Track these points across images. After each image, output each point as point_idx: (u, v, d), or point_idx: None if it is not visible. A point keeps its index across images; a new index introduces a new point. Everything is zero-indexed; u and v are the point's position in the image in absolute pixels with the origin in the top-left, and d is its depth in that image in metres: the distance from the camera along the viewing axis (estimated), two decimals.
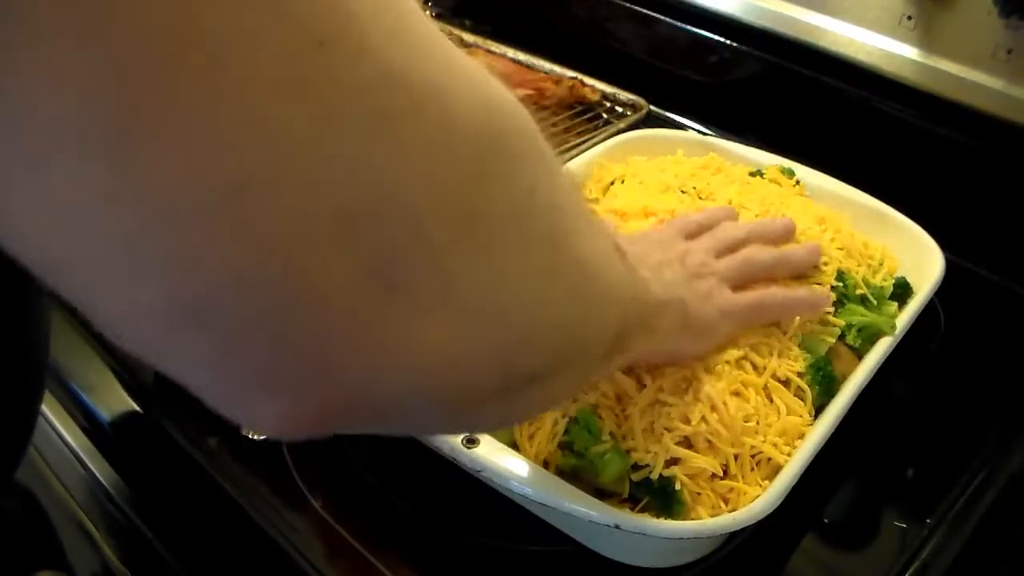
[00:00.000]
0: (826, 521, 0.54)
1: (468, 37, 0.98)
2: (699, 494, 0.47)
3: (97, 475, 0.55)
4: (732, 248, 0.53)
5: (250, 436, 0.54)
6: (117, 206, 0.17)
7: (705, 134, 0.85)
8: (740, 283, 0.52)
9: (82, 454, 0.56)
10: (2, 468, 0.45)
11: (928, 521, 0.53)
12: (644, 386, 0.49)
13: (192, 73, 0.16)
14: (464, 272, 0.22)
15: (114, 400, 0.60)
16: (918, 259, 0.64)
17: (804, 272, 0.57)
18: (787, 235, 0.57)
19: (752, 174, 0.71)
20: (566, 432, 0.47)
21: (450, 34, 1.01)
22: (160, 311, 0.19)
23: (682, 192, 0.66)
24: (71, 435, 0.57)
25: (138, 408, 0.59)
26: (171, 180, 0.17)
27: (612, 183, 0.70)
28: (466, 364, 0.23)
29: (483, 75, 0.23)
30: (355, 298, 0.19)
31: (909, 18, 0.75)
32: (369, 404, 0.22)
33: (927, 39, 0.75)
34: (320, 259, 0.18)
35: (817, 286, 0.56)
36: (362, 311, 0.20)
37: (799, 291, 0.55)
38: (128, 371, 0.61)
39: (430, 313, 0.21)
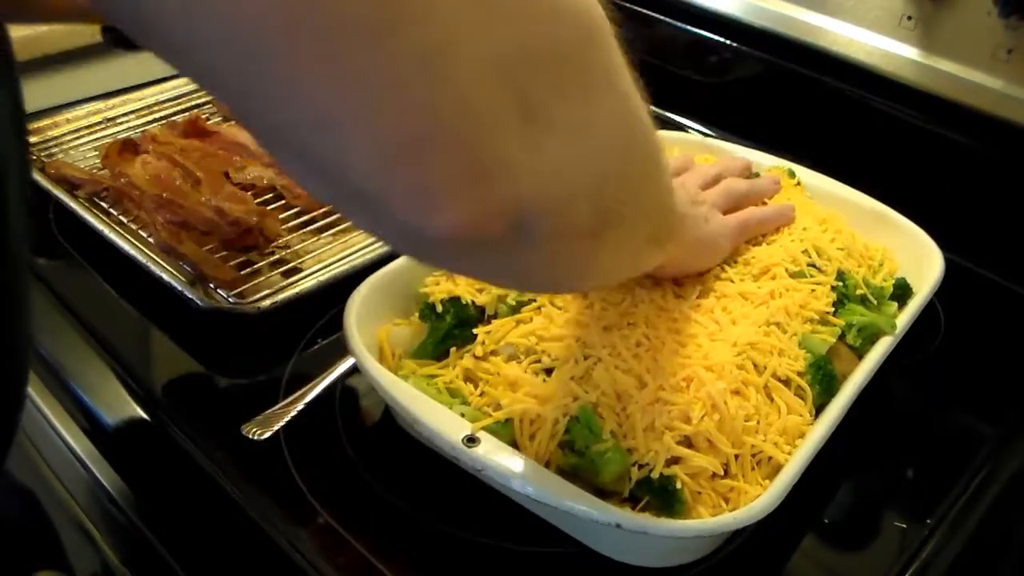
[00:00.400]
0: (826, 521, 0.54)
1: None
2: (700, 493, 0.47)
3: (98, 476, 0.55)
4: (712, 183, 0.63)
5: (250, 436, 0.54)
6: (361, 76, 0.25)
7: (705, 134, 0.85)
8: (725, 209, 0.61)
9: (82, 455, 0.56)
10: None
11: (928, 521, 0.54)
12: (645, 385, 0.49)
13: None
14: (574, 109, 0.30)
15: (115, 401, 0.60)
16: (918, 260, 0.64)
17: (769, 195, 0.66)
18: (747, 169, 0.70)
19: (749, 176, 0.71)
20: (567, 431, 0.47)
21: None
22: (378, 149, 0.27)
23: None
24: (72, 436, 0.57)
25: (139, 409, 0.59)
26: (392, 58, 0.25)
27: None
28: (575, 185, 0.31)
29: None
30: (508, 125, 0.28)
31: (909, 18, 0.76)
32: (508, 214, 0.30)
33: (927, 39, 0.75)
34: (488, 95, 0.27)
35: (782, 203, 0.66)
36: (511, 134, 0.28)
37: (770, 207, 0.65)
38: (129, 372, 0.61)
39: (554, 139, 0.29)
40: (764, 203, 0.66)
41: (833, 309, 0.58)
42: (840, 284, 0.59)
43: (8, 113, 0.39)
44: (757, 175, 0.72)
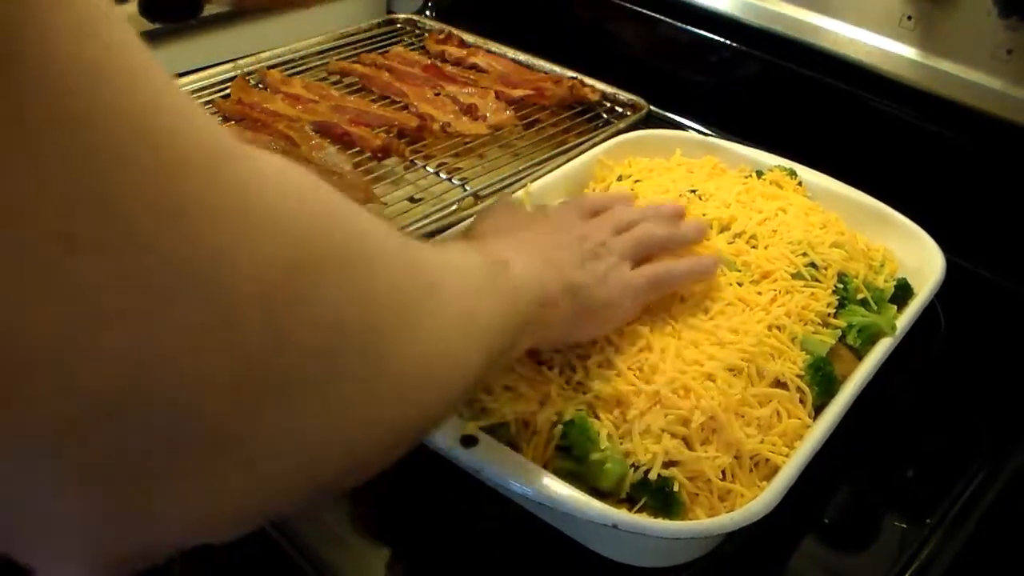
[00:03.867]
0: (826, 521, 0.54)
1: (468, 37, 0.98)
2: (697, 495, 0.47)
3: None
4: (628, 227, 0.55)
5: None
6: None
7: (705, 134, 0.85)
8: (638, 259, 0.54)
9: None
10: None
11: (928, 521, 0.53)
12: (643, 388, 0.49)
13: None
14: (258, 437, 0.22)
15: None
16: (919, 260, 0.64)
17: (693, 243, 0.58)
18: (677, 214, 0.60)
19: (748, 176, 0.71)
20: (564, 436, 0.47)
21: (449, 35, 1.00)
22: None
23: (682, 195, 0.66)
24: None
25: None
26: None
27: (619, 178, 0.70)
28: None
29: (280, 181, 0.22)
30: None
31: (909, 18, 0.75)
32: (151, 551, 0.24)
33: (927, 39, 0.75)
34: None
35: (705, 254, 0.58)
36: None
37: (687, 261, 0.56)
38: None
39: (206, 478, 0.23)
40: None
41: (834, 311, 0.57)
42: (841, 286, 0.59)
43: None
44: (758, 172, 0.72)
